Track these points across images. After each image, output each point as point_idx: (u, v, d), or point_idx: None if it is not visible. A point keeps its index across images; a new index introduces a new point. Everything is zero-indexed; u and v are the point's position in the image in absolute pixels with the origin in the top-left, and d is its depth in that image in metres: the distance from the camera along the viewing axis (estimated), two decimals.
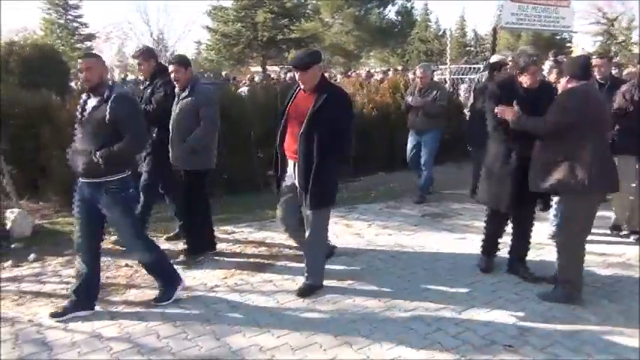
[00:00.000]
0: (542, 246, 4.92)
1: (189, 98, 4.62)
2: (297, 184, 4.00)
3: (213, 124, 4.70)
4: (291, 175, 4.08)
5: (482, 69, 8.70)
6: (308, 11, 29.19)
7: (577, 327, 3.58)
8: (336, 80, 14.37)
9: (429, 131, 6.83)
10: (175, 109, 4.71)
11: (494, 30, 11.55)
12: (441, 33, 48.69)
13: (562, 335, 3.47)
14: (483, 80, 8.03)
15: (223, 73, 16.24)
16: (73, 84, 12.90)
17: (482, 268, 4.53)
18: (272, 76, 18.61)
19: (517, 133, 4.00)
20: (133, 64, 49.94)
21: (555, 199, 4.44)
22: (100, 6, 58.20)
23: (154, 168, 5.06)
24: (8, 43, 11.06)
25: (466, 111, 8.24)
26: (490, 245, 4.55)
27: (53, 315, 3.71)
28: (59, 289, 4.18)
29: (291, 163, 4.08)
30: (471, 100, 8.20)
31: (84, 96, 3.75)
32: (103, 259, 4.73)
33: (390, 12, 32.42)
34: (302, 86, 3.97)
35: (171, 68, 4.72)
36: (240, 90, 9.99)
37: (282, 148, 4.12)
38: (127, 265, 4.71)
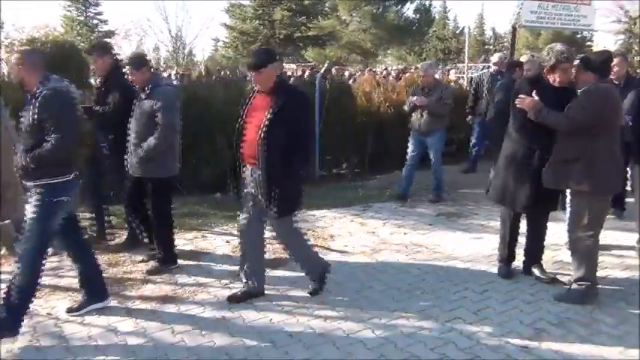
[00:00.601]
0: (559, 247, 4.87)
1: (147, 100, 4.25)
2: (257, 191, 3.76)
3: (170, 130, 4.27)
4: (251, 182, 3.81)
5: (482, 68, 8.64)
6: (326, 9, 29.19)
7: (593, 329, 3.54)
8: (354, 78, 14.33)
9: (435, 132, 6.65)
10: (135, 112, 4.35)
11: (514, 28, 11.38)
12: (459, 31, 48.36)
13: (577, 337, 3.44)
14: (487, 78, 8.01)
15: (238, 70, 16.27)
16: (92, 80, 13.05)
17: (503, 275, 4.40)
18: (288, 73, 18.63)
19: (541, 134, 3.91)
20: (151, 60, 50.18)
21: (567, 199, 4.38)
22: (120, 3, 58.76)
23: (109, 174, 4.87)
24: (30, 40, 11.19)
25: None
26: (508, 250, 4.44)
27: (70, 310, 3.77)
28: (75, 282, 4.22)
29: (249, 169, 3.80)
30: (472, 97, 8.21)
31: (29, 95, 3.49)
32: (119, 254, 4.87)
33: (408, 10, 32.26)
34: (257, 87, 3.74)
35: (127, 69, 4.44)
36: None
37: (240, 154, 3.83)
38: (142, 261, 4.75)
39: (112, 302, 3.92)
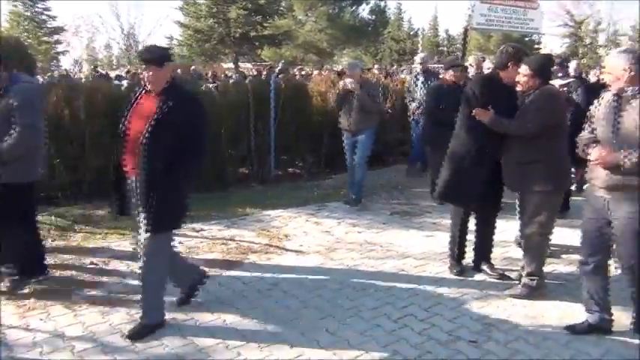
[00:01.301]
0: (508, 244, 5.01)
1: (3, 100, 3.81)
2: (137, 203, 3.41)
3: (30, 131, 3.81)
4: (134, 193, 3.44)
5: (410, 70, 8.67)
6: (281, 8, 29.09)
7: (539, 322, 3.66)
8: (310, 77, 14.35)
9: (364, 131, 6.49)
10: None
11: (465, 30, 11.68)
12: (413, 33, 49.19)
13: (525, 331, 3.54)
14: (419, 80, 8.00)
15: (192, 68, 15.99)
16: (39, 77, 12.64)
17: (454, 273, 4.48)
18: (245, 73, 18.52)
19: (491, 134, 3.99)
20: (103, 58, 48.64)
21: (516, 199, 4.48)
22: None
23: None
24: None
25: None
26: (458, 248, 4.54)
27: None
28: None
29: (134, 179, 3.43)
30: (409, 99, 8.15)
31: None
32: (67, 256, 4.73)
33: (364, 11, 32.51)
34: (149, 87, 3.39)
35: None
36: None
37: (123, 162, 3.48)
38: (92, 263, 4.63)
39: (60, 306, 3.81)
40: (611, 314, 3.49)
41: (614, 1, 42.63)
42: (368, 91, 6.43)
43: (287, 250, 5.12)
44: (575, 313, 3.76)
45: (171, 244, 3.60)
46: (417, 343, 3.37)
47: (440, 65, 12.63)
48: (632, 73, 3.17)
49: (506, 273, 4.42)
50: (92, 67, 20.38)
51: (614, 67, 3.26)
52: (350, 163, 6.71)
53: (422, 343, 3.37)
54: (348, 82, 6.43)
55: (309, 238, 5.43)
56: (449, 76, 6.29)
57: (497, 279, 4.35)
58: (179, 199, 3.43)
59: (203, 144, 3.43)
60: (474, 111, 4.04)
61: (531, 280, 4.02)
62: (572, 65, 7.76)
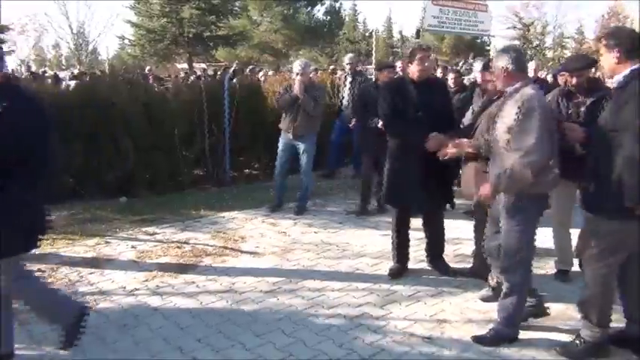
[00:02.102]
0: (460, 241, 5.10)
1: None
2: None
3: None
4: None
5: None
6: (236, 8, 28.82)
7: (493, 317, 3.74)
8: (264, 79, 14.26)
9: (308, 137, 6.30)
10: None
11: (418, 32, 11.88)
12: (368, 34, 49.58)
13: (477, 326, 3.61)
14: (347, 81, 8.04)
15: (147, 69, 15.63)
16: None
17: (393, 275, 4.39)
18: (198, 73, 18.24)
19: (409, 130, 4.07)
20: (52, 58, 47.02)
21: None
22: None
23: None
24: None
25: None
26: (402, 252, 4.48)
27: None
28: None
29: None
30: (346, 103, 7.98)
31: None
32: None
33: (319, 12, 32.68)
34: None
35: None
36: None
37: None
38: (39, 270, 4.47)
39: None
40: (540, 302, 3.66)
41: (561, 0, 44.17)
42: (313, 95, 6.20)
43: (242, 252, 5.07)
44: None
45: (34, 275, 3.23)
46: (373, 341, 3.40)
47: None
48: (509, 71, 3.14)
49: (458, 270, 4.50)
50: (41, 71, 19.58)
51: (495, 68, 3.28)
52: (282, 165, 6.47)
53: (377, 341, 3.39)
54: (296, 87, 6.16)
55: (265, 240, 5.40)
56: (383, 77, 6.20)
57: (451, 276, 4.41)
58: (22, 217, 2.87)
59: (45, 152, 2.92)
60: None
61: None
62: (532, 66, 7.94)
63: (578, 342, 3.23)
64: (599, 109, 3.49)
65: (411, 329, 3.56)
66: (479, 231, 4.05)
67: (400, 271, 4.44)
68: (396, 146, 4.28)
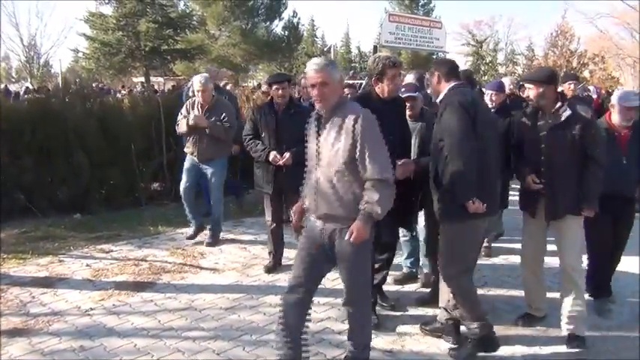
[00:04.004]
0: None
1: None
2: None
3: None
4: None
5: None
6: (193, 22, 28.59)
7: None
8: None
9: (217, 161, 5.59)
10: None
11: (375, 47, 12.08)
12: (326, 49, 50.05)
13: (436, 339, 3.65)
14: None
15: (101, 84, 15.32)
16: None
17: (374, 324, 3.71)
18: (155, 87, 18.02)
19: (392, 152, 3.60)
20: (1, 70, 45.46)
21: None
22: None
23: None
24: None
25: None
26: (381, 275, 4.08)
27: None
28: None
29: None
30: None
31: None
32: None
33: (277, 26, 32.73)
34: None
35: None
36: None
37: None
38: None
39: None
40: None
41: (512, 19, 45.75)
42: (220, 118, 5.45)
43: (202, 268, 5.00)
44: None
45: None
46: (335, 356, 3.40)
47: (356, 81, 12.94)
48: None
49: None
50: None
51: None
52: (187, 189, 5.66)
53: (339, 356, 3.39)
54: (191, 119, 5.39)
55: (224, 256, 5.34)
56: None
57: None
58: None
59: None
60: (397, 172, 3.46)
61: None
62: (507, 82, 8.09)
63: (468, 342, 3.47)
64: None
65: (372, 343, 3.56)
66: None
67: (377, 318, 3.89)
68: None
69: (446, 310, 3.58)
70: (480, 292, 4.32)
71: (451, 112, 3.20)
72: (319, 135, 2.93)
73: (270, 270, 4.91)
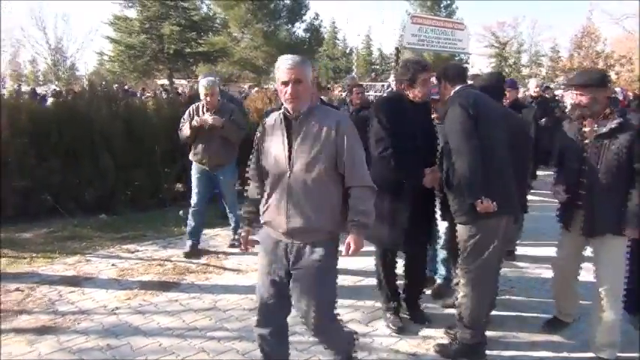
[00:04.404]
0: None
1: None
2: None
3: None
4: None
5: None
6: (216, 25, 28.85)
7: None
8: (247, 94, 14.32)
9: (227, 167, 5.46)
10: None
11: (397, 49, 12.05)
12: (348, 51, 50.13)
13: None
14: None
15: (126, 85, 15.53)
16: None
17: (398, 330, 3.78)
18: (179, 89, 18.22)
19: (407, 160, 3.54)
20: (28, 73, 46.47)
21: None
22: None
23: None
24: None
25: None
26: (392, 296, 3.93)
27: None
28: None
29: None
30: None
31: None
32: None
33: (299, 29, 32.89)
34: None
35: None
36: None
37: None
38: (17, 290, 4.38)
39: None
40: None
41: (535, 20, 45.16)
42: (233, 120, 5.32)
43: (225, 269, 5.04)
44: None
45: None
46: (359, 359, 3.38)
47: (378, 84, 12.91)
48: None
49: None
50: (15, 86, 19.26)
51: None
52: (201, 200, 5.45)
53: (363, 358, 3.38)
54: (210, 119, 5.19)
55: (247, 256, 5.35)
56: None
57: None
58: None
59: None
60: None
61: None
62: (533, 84, 8.05)
63: (454, 342, 3.44)
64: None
65: (396, 346, 3.56)
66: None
67: (401, 321, 3.86)
68: (386, 182, 3.48)
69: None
70: (505, 296, 4.30)
71: (452, 114, 3.21)
72: (290, 139, 2.65)
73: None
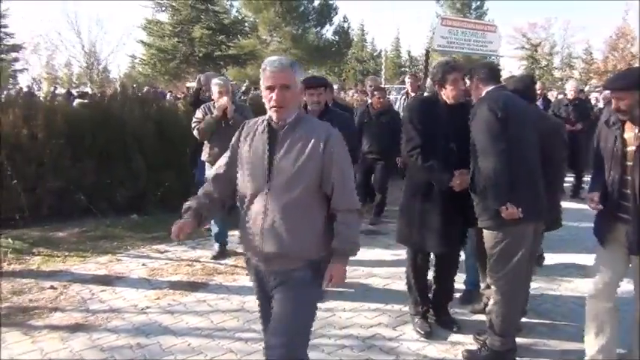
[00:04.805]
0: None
1: None
2: None
3: None
4: None
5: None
6: (245, 28, 29.17)
7: None
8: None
9: None
10: None
11: (427, 52, 11.94)
12: (376, 53, 49.98)
13: None
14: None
15: (157, 88, 15.75)
16: None
17: (425, 334, 3.74)
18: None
19: (436, 161, 3.50)
20: (63, 76, 47.57)
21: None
22: (28, 16, 55.97)
23: None
24: None
25: None
26: (421, 300, 3.86)
27: None
28: None
29: None
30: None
31: None
32: (25, 280, 4.57)
33: (328, 31, 32.99)
34: None
35: None
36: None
37: None
38: (51, 287, 4.49)
39: (16, 333, 3.67)
40: None
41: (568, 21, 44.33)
42: (244, 116, 4.88)
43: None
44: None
45: None
46: None
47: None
48: None
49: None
50: (51, 89, 19.76)
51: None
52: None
53: None
54: (227, 101, 5.02)
55: None
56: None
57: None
58: None
59: None
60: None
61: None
62: (570, 86, 7.91)
63: (483, 349, 3.37)
64: None
65: (424, 351, 3.53)
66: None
67: (431, 328, 3.81)
68: (417, 183, 3.62)
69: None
70: (536, 303, 4.22)
71: (480, 116, 3.16)
72: (272, 151, 2.34)
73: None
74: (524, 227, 3.15)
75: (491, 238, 3.23)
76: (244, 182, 2.41)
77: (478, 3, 38.97)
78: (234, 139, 2.52)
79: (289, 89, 2.31)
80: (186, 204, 2.59)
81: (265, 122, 2.40)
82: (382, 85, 8.66)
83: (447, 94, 3.54)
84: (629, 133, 2.98)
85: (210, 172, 2.55)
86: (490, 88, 3.32)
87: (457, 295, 4.27)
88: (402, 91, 9.23)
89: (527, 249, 3.20)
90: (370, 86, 7.55)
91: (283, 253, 2.32)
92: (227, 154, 2.55)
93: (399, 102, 8.43)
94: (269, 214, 2.31)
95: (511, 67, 36.38)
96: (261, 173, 2.33)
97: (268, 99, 2.33)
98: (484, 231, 3.29)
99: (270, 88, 2.32)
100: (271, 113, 2.35)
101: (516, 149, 3.09)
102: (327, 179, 2.33)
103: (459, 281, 4.27)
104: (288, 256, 2.33)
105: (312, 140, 2.32)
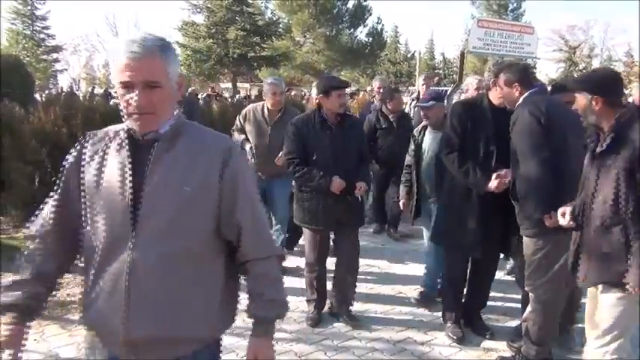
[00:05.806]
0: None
1: None
2: None
3: None
4: None
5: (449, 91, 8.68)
6: (279, 30, 29.39)
7: None
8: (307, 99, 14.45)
9: (285, 178, 4.67)
10: None
11: (462, 54, 11.80)
12: (410, 55, 49.66)
13: None
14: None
15: (190, 89, 15.93)
16: (37, 96, 12.66)
17: (459, 338, 3.68)
18: (241, 92, 18.63)
19: (474, 163, 3.43)
20: (101, 77, 48.84)
21: None
22: (69, 18, 57.56)
23: None
24: None
25: None
26: (454, 305, 3.80)
27: None
28: None
29: None
30: None
31: None
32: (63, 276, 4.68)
33: (361, 33, 32.98)
34: None
35: None
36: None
37: None
38: None
39: (53, 327, 3.76)
40: None
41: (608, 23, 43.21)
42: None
43: (285, 271, 5.07)
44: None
45: None
46: None
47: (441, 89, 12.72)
48: None
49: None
50: (89, 89, 20.26)
51: None
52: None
53: None
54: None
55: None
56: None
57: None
58: None
59: None
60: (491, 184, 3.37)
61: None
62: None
63: (518, 356, 3.32)
64: None
65: (456, 356, 3.49)
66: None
67: (464, 333, 3.73)
68: (457, 187, 3.58)
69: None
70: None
71: (521, 122, 3.07)
72: (137, 180, 1.53)
73: (317, 323, 3.96)
74: (565, 236, 3.06)
75: (532, 245, 3.16)
76: (93, 230, 1.57)
77: (515, 4, 38.34)
78: (67, 164, 1.65)
79: (158, 87, 1.51)
80: (5, 298, 1.64)
81: (123, 134, 1.59)
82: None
83: (494, 95, 3.46)
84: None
85: (32, 227, 1.70)
86: (528, 92, 3.22)
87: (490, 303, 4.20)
88: (413, 95, 8.77)
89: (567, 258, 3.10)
90: (378, 87, 6.81)
91: (162, 336, 1.54)
92: (56, 194, 1.67)
93: (408, 106, 7.94)
94: (137, 277, 1.51)
95: (547, 69, 35.71)
96: (121, 214, 1.52)
97: (125, 101, 1.52)
98: (525, 238, 3.22)
99: (127, 86, 1.51)
100: (131, 122, 1.55)
101: (560, 156, 2.98)
102: (229, 219, 1.60)
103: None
104: (168, 341, 1.56)
105: (203, 160, 1.56)
